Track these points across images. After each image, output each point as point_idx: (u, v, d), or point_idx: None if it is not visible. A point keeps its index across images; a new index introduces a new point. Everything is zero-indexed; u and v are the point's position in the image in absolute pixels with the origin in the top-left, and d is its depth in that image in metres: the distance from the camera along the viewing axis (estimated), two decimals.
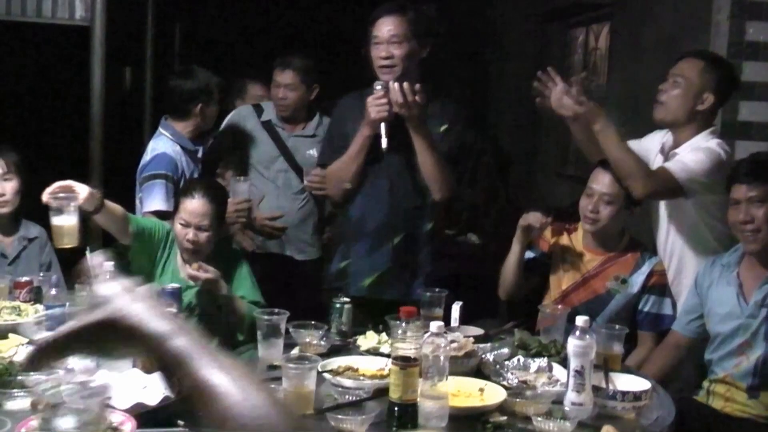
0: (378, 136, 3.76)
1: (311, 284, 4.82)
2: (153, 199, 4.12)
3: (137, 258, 3.63)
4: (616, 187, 3.67)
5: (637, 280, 3.71)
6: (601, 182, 3.71)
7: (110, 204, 3.47)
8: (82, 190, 3.30)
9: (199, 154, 4.48)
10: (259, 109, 4.87)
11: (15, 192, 4.03)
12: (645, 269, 3.71)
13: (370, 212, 3.94)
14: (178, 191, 3.93)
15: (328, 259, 4.89)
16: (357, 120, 3.89)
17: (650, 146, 3.94)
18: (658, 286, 3.71)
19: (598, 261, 3.76)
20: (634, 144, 3.85)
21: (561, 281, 3.84)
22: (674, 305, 3.71)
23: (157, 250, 3.74)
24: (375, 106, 3.75)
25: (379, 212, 3.92)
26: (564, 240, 3.88)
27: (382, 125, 3.74)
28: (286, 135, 4.81)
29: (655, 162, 3.86)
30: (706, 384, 3.46)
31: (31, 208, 4.11)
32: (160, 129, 4.39)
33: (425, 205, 3.94)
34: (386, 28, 3.84)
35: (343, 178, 3.95)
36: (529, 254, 3.90)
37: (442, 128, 3.93)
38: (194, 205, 3.68)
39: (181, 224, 3.69)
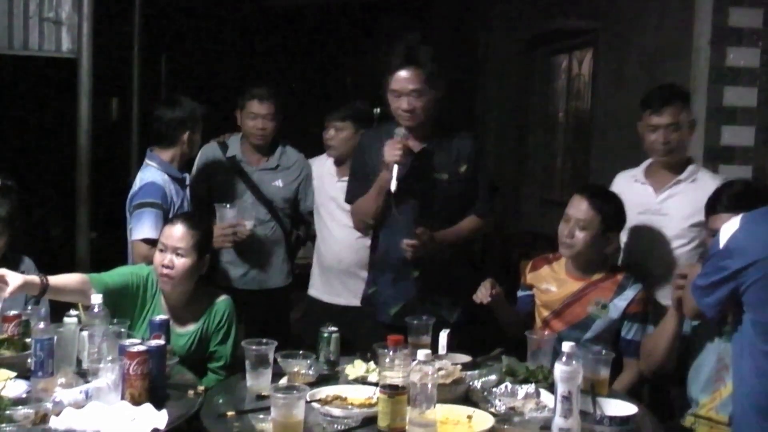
0: (399, 178, 3.88)
1: (287, 311, 5.01)
2: (142, 227, 4.13)
3: (116, 308, 3.55)
4: (592, 214, 3.74)
5: (619, 305, 3.73)
6: (577, 208, 3.78)
7: (59, 281, 3.44)
8: (13, 281, 3.26)
9: (187, 181, 4.51)
10: (224, 147, 4.93)
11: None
12: (627, 295, 3.74)
13: (393, 246, 4.06)
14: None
15: (301, 284, 4.97)
16: (375, 155, 4.05)
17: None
18: (641, 313, 3.74)
19: (579, 286, 3.80)
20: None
21: (543, 309, 3.89)
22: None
23: (136, 299, 3.72)
24: (391, 149, 3.89)
25: (401, 246, 4.03)
26: (544, 271, 3.95)
27: (395, 167, 3.85)
28: (251, 169, 4.90)
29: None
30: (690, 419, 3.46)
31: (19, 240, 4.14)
32: (147, 160, 4.42)
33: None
34: (407, 82, 3.97)
35: (365, 215, 4.13)
36: (519, 293, 4.03)
37: (462, 169, 4.08)
38: (172, 230, 3.72)
39: (160, 250, 3.72)
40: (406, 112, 3.98)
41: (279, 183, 4.90)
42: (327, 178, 4.90)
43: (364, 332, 4.07)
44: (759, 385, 2.83)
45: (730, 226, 2.87)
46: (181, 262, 3.67)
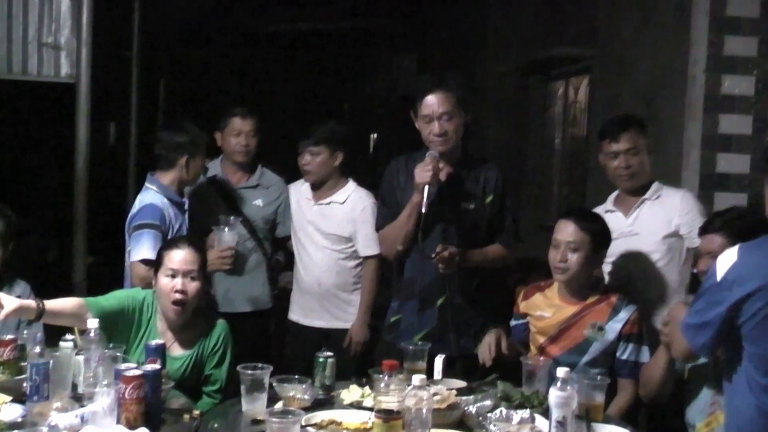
0: (429, 200, 3.90)
1: (269, 334, 5.02)
2: (141, 248, 4.13)
3: (112, 332, 3.57)
4: (581, 235, 3.79)
5: (614, 327, 3.75)
6: (565, 232, 3.82)
7: (55, 305, 3.44)
8: (8, 305, 3.27)
9: (186, 206, 4.52)
10: (204, 169, 4.91)
11: None
12: (622, 317, 3.76)
13: (419, 274, 4.10)
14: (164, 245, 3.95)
15: (281, 309, 4.99)
16: (403, 182, 4.11)
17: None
18: (636, 334, 3.76)
19: (575, 310, 3.82)
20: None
21: (538, 336, 3.89)
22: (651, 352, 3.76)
23: (132, 322, 3.71)
24: (422, 171, 3.91)
25: (427, 275, 4.07)
26: (537, 298, 3.96)
27: (426, 189, 3.88)
28: (231, 188, 4.97)
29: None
30: None
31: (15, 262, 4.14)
32: (147, 184, 4.44)
33: (470, 266, 4.09)
34: (437, 105, 4.00)
35: (395, 241, 4.12)
36: (513, 322, 4.04)
37: (488, 199, 4.12)
38: (181, 254, 3.69)
39: (168, 276, 3.67)
40: (439, 137, 4.00)
41: (259, 202, 4.97)
42: (304, 202, 4.92)
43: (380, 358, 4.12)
44: (759, 420, 2.74)
45: (727, 259, 2.77)
46: (193, 286, 3.67)
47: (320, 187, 4.88)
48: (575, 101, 8.02)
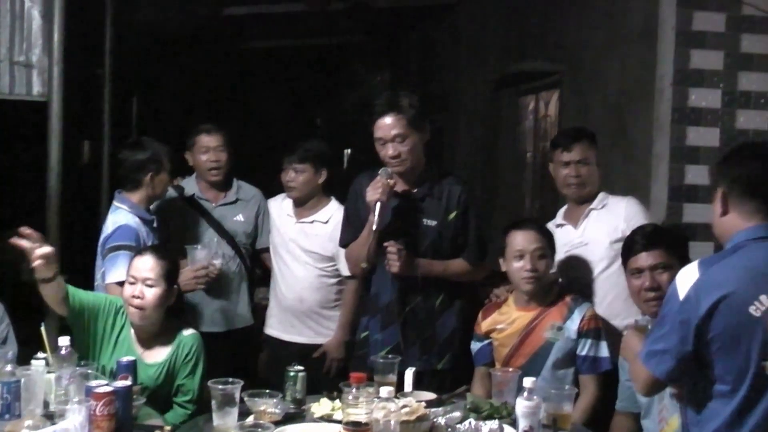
0: (381, 216, 3.95)
1: (251, 351, 5.03)
2: (117, 270, 4.14)
3: (78, 333, 3.62)
4: (544, 240, 3.94)
5: (571, 327, 3.85)
6: (529, 240, 3.92)
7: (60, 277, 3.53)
8: (46, 249, 3.42)
9: (155, 224, 4.53)
10: (179, 189, 4.96)
11: None
12: (576, 315, 3.87)
13: (383, 289, 4.15)
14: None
15: (259, 327, 5.00)
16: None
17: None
18: (594, 329, 3.86)
19: (532, 316, 3.92)
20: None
21: (502, 348, 3.96)
22: (610, 347, 3.84)
23: (102, 326, 3.75)
24: (371, 189, 3.97)
25: (389, 291, 4.12)
26: (496, 316, 4.04)
27: (377, 206, 3.92)
28: (211, 206, 4.95)
29: None
30: None
31: None
32: (116, 203, 4.44)
33: (433, 282, 4.13)
34: (389, 128, 4.04)
35: (358, 258, 4.15)
36: (478, 344, 4.09)
37: (451, 216, 4.14)
38: (141, 261, 3.76)
39: (129, 283, 3.74)
40: (393, 158, 4.04)
41: (240, 217, 4.96)
42: (285, 219, 4.94)
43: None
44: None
45: (688, 277, 2.67)
46: (151, 292, 3.70)
47: (303, 205, 4.91)
48: (546, 115, 8.07)
